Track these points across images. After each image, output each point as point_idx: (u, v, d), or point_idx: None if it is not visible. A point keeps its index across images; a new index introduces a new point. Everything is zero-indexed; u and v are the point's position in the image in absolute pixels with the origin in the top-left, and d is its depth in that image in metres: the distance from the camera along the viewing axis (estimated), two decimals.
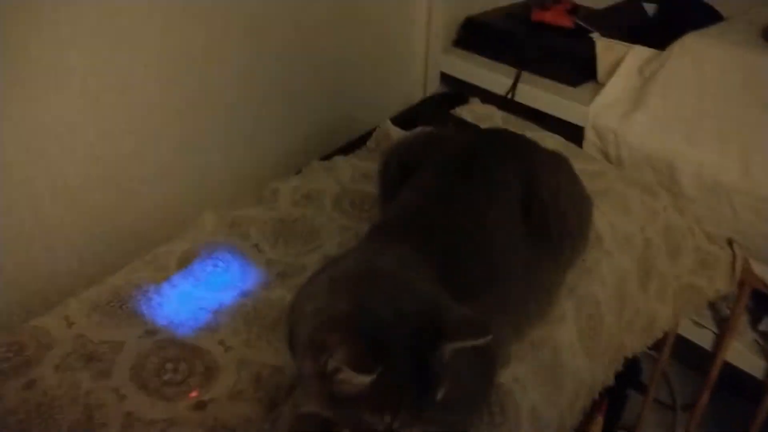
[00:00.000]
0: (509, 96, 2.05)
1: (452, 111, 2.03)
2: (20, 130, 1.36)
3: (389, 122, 1.90)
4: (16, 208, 1.38)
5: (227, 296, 1.34)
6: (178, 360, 1.25)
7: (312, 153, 1.84)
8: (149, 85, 1.51)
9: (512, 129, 1.62)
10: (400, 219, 1.17)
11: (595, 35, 1.97)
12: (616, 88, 1.86)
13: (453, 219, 1.14)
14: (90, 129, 1.45)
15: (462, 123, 1.93)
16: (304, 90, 1.85)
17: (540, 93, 2.03)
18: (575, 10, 2.21)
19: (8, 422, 1.11)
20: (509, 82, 2.06)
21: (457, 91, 2.21)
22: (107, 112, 1.46)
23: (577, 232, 1.39)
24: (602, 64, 1.94)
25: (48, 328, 1.28)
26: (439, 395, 0.83)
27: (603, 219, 1.52)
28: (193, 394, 1.20)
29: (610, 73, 1.89)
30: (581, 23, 2.07)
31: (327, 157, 1.82)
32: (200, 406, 1.19)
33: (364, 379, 0.78)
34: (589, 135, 1.88)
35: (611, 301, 1.50)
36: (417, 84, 2.26)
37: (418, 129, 1.76)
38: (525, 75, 2.04)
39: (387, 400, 0.80)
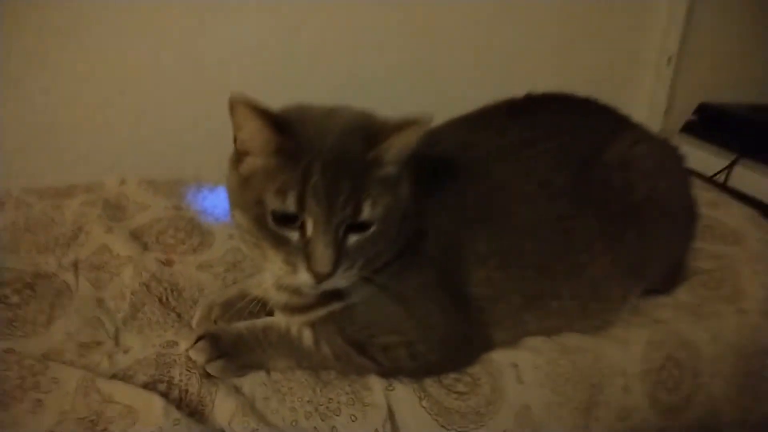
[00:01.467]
0: (720, 177, 1.92)
1: None
2: None
3: None
4: None
5: None
6: (180, 230, 1.23)
7: None
8: None
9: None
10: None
11: None
12: None
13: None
14: None
15: None
16: None
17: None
18: None
19: None
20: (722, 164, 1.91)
21: None
22: None
23: (673, 247, 1.14)
24: None
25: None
26: (365, 213, 0.78)
27: (756, 278, 1.21)
28: (172, 256, 1.16)
29: None
30: None
31: None
32: (168, 263, 1.14)
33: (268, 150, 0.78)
34: None
35: (723, 365, 1.06)
36: None
37: None
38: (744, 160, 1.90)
39: (291, 182, 0.76)
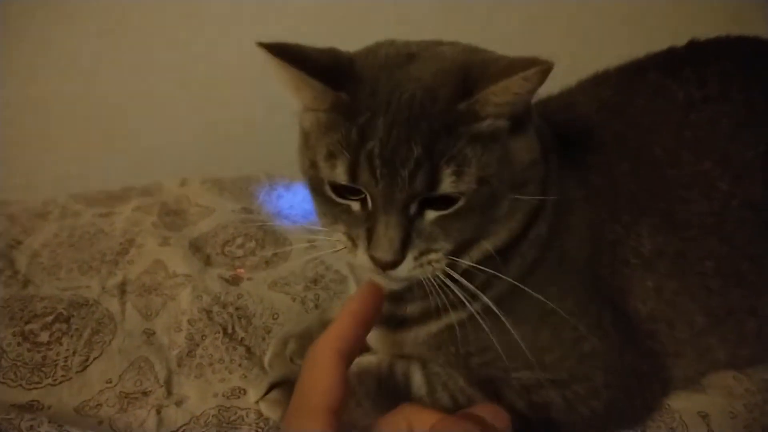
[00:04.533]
0: None
1: None
2: None
3: None
4: None
5: None
6: (249, 238, 1.00)
7: None
8: None
9: None
10: None
11: None
12: None
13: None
14: None
15: None
16: None
17: None
18: None
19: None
20: None
21: None
22: None
23: None
24: None
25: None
26: (444, 184, 0.56)
27: None
28: (240, 270, 0.94)
29: None
30: None
31: None
32: (234, 281, 0.92)
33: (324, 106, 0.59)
34: None
35: None
36: None
37: None
38: None
39: (342, 146, 0.57)
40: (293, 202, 1.14)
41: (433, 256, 0.59)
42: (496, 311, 0.61)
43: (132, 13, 1.35)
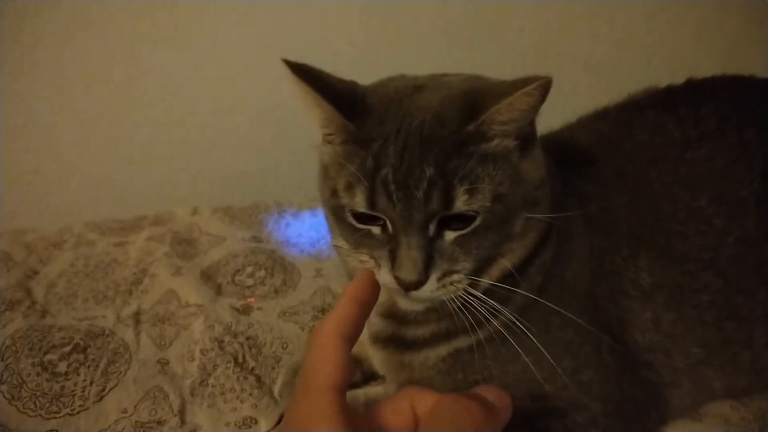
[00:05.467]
0: None
1: None
2: None
3: None
4: None
5: None
6: (259, 266, 1.03)
7: None
8: None
9: None
10: None
11: None
12: None
13: None
14: None
15: None
16: None
17: None
18: None
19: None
20: None
21: None
22: None
23: None
24: None
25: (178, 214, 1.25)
26: (458, 202, 0.59)
27: None
28: (250, 299, 0.97)
29: None
30: None
31: None
32: (245, 311, 0.94)
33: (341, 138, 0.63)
34: None
35: None
36: None
37: None
38: None
39: (358, 176, 0.60)
40: (301, 230, 1.17)
41: (455, 277, 0.62)
42: (519, 324, 0.64)
43: (145, 41, 1.38)
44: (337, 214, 0.65)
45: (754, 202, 0.77)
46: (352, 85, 0.65)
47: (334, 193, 0.64)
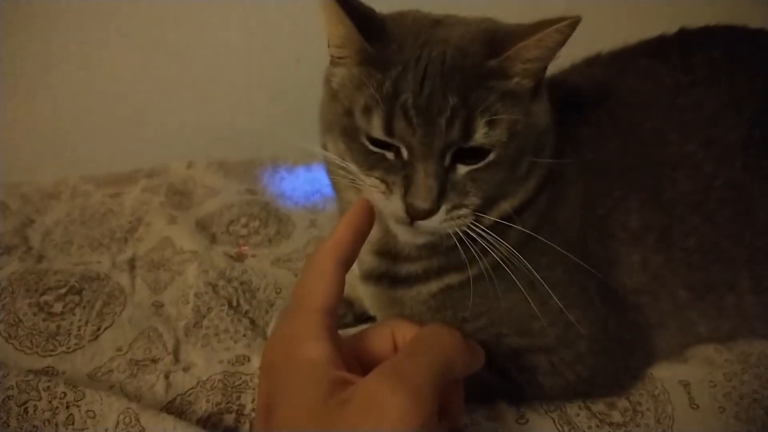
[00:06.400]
0: None
1: None
2: None
3: None
4: None
5: None
6: (254, 217, 1.04)
7: None
8: None
9: None
10: None
11: None
12: None
13: None
14: None
15: None
16: None
17: None
18: None
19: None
20: None
21: None
22: None
23: None
24: None
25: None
26: (478, 134, 0.59)
27: None
28: (244, 248, 0.98)
29: None
30: None
31: None
32: (239, 258, 0.96)
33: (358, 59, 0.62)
34: None
35: None
36: None
37: None
38: None
39: (377, 99, 0.59)
40: (295, 185, 1.18)
41: (463, 211, 0.62)
42: (514, 259, 0.64)
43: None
44: (349, 134, 0.64)
45: (741, 146, 0.78)
46: (372, 11, 0.65)
47: (349, 112, 0.63)
